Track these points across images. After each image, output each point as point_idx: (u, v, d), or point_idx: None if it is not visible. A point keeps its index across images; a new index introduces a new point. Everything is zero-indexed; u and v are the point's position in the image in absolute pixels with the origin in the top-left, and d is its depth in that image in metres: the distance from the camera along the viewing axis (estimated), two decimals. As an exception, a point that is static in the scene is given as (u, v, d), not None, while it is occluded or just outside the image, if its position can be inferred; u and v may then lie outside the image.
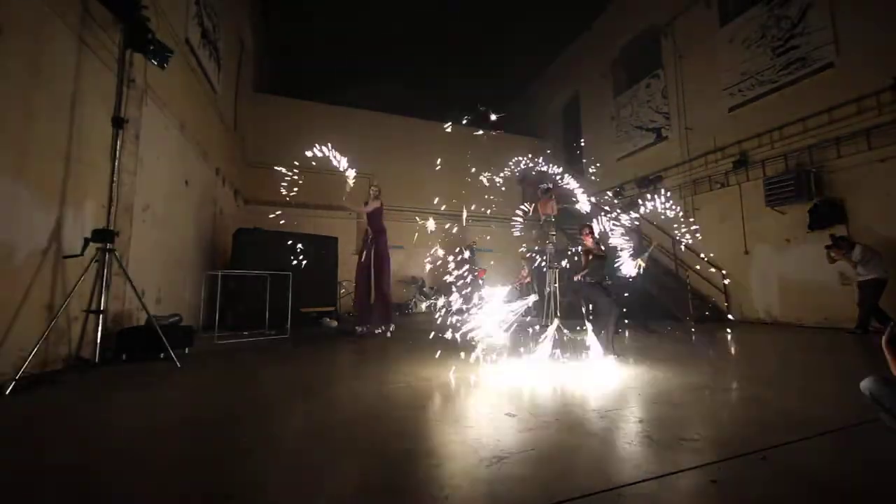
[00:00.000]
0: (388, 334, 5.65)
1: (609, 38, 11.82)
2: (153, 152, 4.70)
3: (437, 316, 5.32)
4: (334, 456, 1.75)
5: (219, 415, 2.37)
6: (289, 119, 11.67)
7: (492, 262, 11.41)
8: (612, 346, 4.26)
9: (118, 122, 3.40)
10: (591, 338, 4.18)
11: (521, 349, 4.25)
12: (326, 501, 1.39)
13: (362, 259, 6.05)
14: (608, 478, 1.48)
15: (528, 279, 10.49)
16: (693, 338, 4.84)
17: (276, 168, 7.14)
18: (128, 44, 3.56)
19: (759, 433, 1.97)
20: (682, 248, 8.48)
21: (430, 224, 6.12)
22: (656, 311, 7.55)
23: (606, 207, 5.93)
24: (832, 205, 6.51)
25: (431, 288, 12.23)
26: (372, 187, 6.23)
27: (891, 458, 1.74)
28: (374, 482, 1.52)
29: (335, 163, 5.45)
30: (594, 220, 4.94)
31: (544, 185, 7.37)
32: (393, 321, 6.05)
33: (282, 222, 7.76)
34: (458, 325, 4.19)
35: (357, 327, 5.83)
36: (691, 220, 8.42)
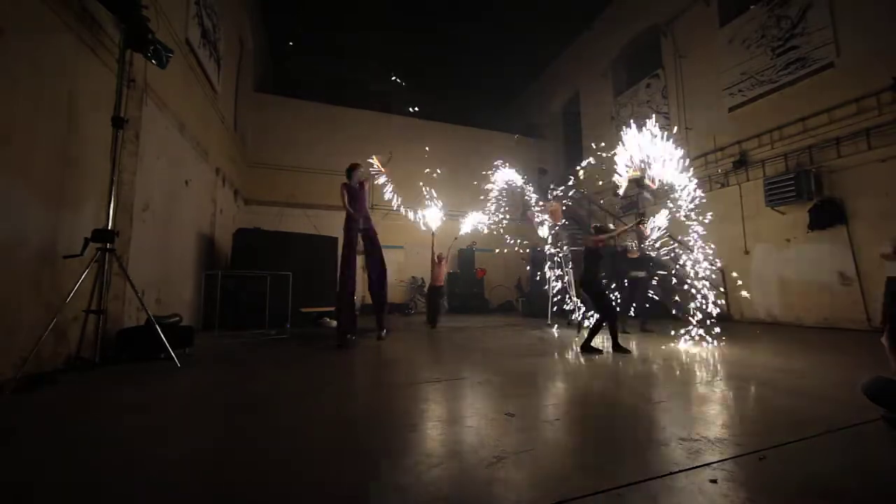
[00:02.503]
0: (384, 336, 5.25)
1: (609, 38, 11.81)
2: (153, 152, 4.70)
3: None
4: (336, 455, 1.75)
5: (219, 414, 2.38)
6: (289, 119, 11.68)
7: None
8: (617, 341, 4.44)
9: (118, 122, 3.40)
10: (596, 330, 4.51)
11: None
12: (329, 500, 1.39)
13: (351, 251, 5.07)
14: (608, 478, 1.48)
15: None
16: (692, 338, 4.84)
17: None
18: (128, 44, 3.56)
19: (759, 433, 1.98)
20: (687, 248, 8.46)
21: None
22: (655, 310, 7.54)
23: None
24: (832, 205, 6.50)
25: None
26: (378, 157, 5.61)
27: (891, 458, 1.74)
28: (370, 480, 1.52)
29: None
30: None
31: (553, 192, 7.49)
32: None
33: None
34: None
35: (349, 335, 4.94)
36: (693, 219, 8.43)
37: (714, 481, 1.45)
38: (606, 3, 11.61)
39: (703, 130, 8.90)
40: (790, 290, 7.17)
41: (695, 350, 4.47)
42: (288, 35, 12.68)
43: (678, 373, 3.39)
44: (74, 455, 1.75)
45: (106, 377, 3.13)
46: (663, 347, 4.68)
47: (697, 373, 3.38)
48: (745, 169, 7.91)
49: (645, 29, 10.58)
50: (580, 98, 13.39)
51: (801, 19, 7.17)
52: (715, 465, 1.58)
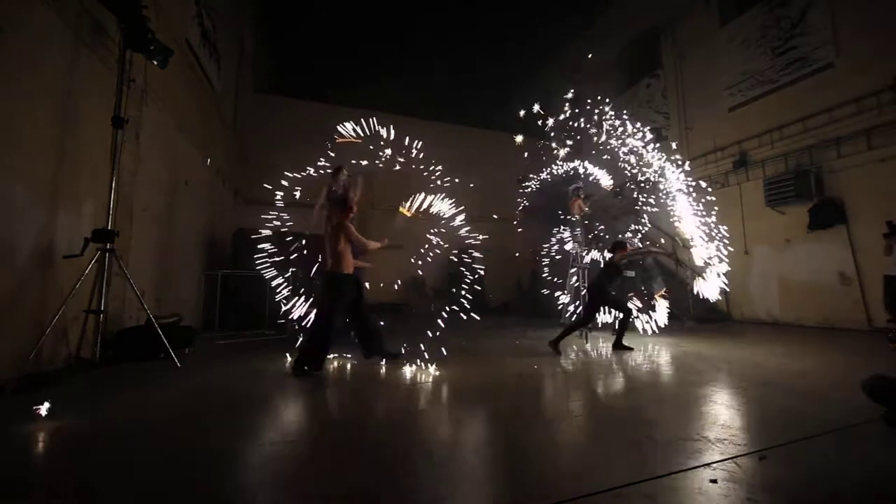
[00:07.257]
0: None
1: (609, 38, 11.81)
2: (153, 152, 4.70)
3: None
4: (343, 455, 1.75)
5: (219, 414, 2.37)
6: (289, 119, 11.66)
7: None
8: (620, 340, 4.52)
9: (118, 122, 3.40)
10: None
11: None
12: (335, 502, 1.39)
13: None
14: (608, 478, 1.48)
15: None
16: (693, 338, 4.85)
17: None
18: (128, 44, 3.56)
19: (759, 433, 1.97)
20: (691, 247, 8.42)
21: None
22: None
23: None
24: (832, 205, 6.51)
25: (433, 289, 12.18)
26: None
27: (891, 457, 1.74)
28: (370, 481, 1.52)
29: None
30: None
31: (574, 185, 7.33)
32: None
33: (284, 222, 7.75)
34: None
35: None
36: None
37: (714, 481, 1.44)
38: (607, 3, 11.61)
39: (703, 130, 8.90)
40: (790, 290, 7.17)
41: (699, 350, 4.47)
42: (288, 34, 12.67)
43: (678, 373, 3.39)
44: (74, 456, 1.75)
45: (106, 377, 3.13)
46: (668, 347, 4.68)
47: (698, 374, 3.38)
48: (745, 169, 7.92)
49: (645, 29, 10.59)
50: (579, 98, 13.38)
51: (801, 19, 7.17)
52: (715, 465, 1.58)
